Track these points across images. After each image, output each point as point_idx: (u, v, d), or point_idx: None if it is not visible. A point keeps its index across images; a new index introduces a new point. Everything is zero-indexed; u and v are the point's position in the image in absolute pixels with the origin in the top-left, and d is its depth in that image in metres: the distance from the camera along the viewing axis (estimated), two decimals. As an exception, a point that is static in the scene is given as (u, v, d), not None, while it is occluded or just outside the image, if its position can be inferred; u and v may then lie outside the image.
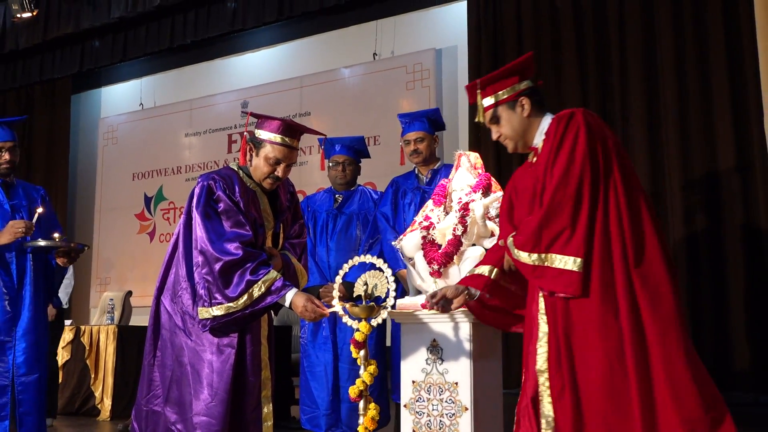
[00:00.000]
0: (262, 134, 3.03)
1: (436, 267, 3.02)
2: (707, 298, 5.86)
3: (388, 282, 2.64)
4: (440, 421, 2.91)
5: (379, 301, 2.67)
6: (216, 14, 7.86)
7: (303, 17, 7.86)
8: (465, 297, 2.63)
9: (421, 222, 3.19)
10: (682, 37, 6.20)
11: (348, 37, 8.04)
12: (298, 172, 7.07)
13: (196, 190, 3.00)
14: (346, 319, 2.68)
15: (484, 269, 2.59)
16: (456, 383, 2.90)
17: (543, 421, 2.38)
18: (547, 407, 2.36)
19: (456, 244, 3.01)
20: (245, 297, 2.79)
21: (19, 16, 7.93)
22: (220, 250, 2.83)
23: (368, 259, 2.72)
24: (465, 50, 7.15)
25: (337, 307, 2.68)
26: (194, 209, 2.95)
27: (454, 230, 3.00)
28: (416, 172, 4.31)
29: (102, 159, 9.44)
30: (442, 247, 3.05)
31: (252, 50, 8.73)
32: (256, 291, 2.80)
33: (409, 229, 3.27)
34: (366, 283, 2.67)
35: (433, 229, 3.12)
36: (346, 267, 2.77)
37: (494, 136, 2.71)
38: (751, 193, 5.83)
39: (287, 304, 2.85)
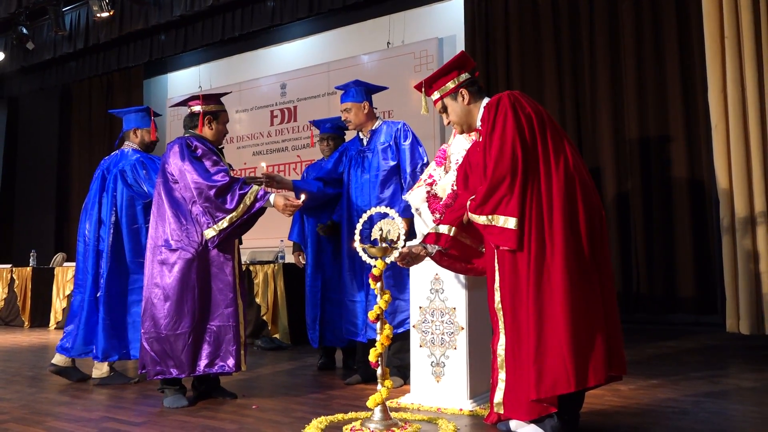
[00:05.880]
0: (215, 107, 3.32)
1: (438, 216, 3.01)
2: (658, 238, 5.85)
3: (399, 228, 2.65)
4: (441, 338, 2.95)
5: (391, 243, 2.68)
6: (258, 12, 7.77)
7: (329, 13, 7.75)
8: (425, 252, 2.64)
9: (426, 179, 3.18)
10: (641, 19, 6.09)
11: (366, 29, 7.94)
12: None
13: (175, 148, 3.15)
14: (365, 257, 2.69)
15: (445, 228, 2.56)
16: (454, 308, 2.92)
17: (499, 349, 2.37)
18: (501, 338, 2.36)
19: (454, 197, 2.99)
20: (241, 206, 3.06)
21: (99, 15, 7.85)
22: (211, 180, 3.07)
23: (383, 209, 2.72)
24: (462, 38, 7.09)
25: (358, 248, 2.69)
26: (180, 162, 3.11)
27: (452, 186, 2.98)
28: (360, 135, 3.88)
29: (170, 133, 9.44)
30: (443, 200, 3.04)
31: (288, 41, 8.65)
32: (248, 200, 3.07)
33: (416, 185, 3.26)
34: (381, 229, 2.68)
35: (435, 185, 3.10)
36: (365, 216, 2.77)
37: (445, 123, 2.71)
38: (696, 151, 5.78)
39: (271, 205, 3.11)
